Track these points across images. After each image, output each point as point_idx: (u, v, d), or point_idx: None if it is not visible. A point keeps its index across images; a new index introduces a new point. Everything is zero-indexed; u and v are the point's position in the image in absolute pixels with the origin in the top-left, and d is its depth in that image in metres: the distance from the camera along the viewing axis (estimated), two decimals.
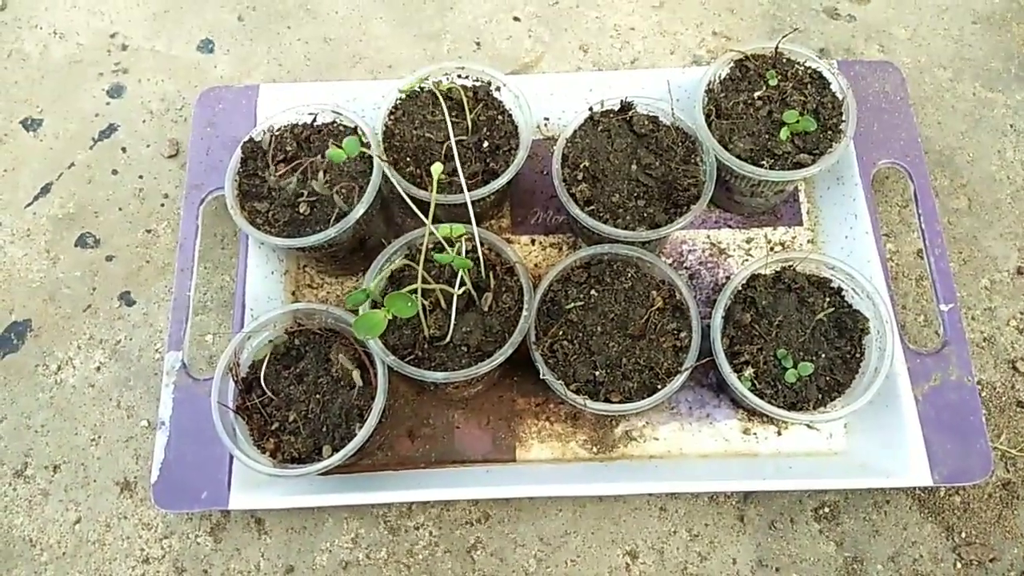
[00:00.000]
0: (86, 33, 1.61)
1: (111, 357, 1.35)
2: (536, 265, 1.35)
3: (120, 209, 1.45)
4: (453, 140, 1.11)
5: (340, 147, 1.02)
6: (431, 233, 1.07)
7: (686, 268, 1.35)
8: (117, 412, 1.32)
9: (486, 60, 1.54)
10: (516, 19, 1.58)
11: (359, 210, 1.17)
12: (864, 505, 1.23)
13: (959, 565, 1.19)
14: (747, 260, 1.36)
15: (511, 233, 1.38)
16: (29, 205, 1.46)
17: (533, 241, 1.38)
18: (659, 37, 1.56)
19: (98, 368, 1.34)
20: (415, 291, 1.03)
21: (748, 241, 1.38)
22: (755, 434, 1.25)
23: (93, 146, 1.50)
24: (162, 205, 1.45)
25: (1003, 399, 1.30)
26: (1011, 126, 1.50)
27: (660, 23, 1.57)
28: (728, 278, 1.34)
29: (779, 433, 1.26)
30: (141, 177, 1.47)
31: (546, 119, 1.42)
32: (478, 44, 1.56)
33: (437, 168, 1.01)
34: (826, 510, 1.23)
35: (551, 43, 1.56)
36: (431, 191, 1.02)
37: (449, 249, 1.12)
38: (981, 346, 1.33)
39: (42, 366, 1.35)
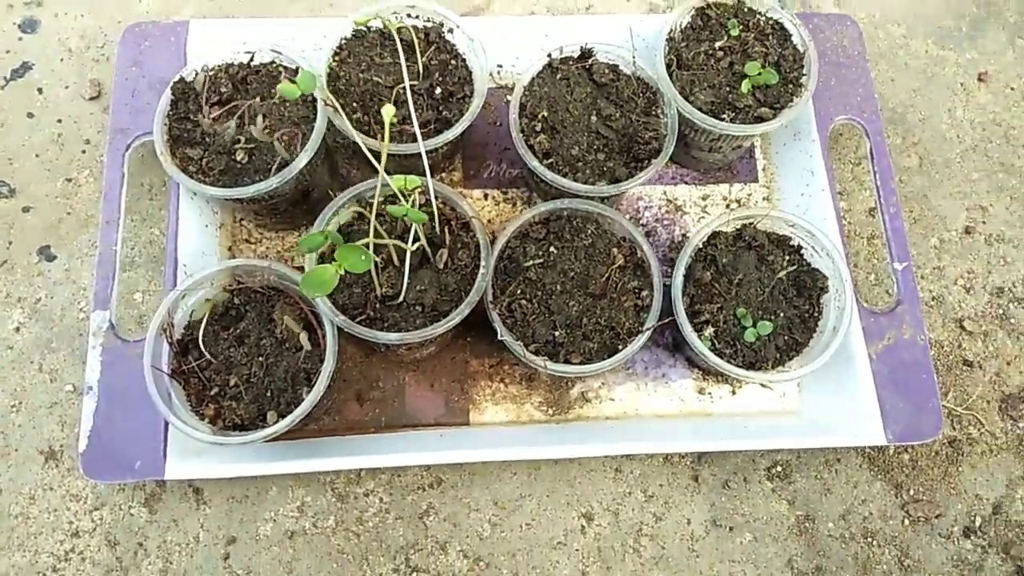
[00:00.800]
0: None
1: (31, 317, 1.25)
2: (489, 221, 1.30)
3: (37, 156, 1.33)
4: (407, 84, 1.04)
5: (293, 83, 0.94)
6: (384, 184, 1.00)
7: (642, 225, 1.31)
8: (39, 376, 1.22)
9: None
10: None
11: (302, 159, 1.09)
12: (816, 464, 1.24)
13: (907, 522, 1.21)
14: (703, 217, 1.33)
15: (463, 187, 1.32)
16: None
17: (486, 196, 1.32)
18: None
19: (17, 329, 1.24)
20: (367, 246, 0.97)
21: (704, 198, 1.35)
22: (710, 394, 1.24)
23: (4, 86, 1.37)
24: (83, 152, 1.34)
25: (950, 358, 1.31)
26: (961, 85, 1.50)
27: None
28: (685, 236, 1.31)
29: (733, 392, 1.25)
30: (60, 121, 1.35)
31: (499, 66, 1.36)
32: None
33: (389, 112, 0.93)
34: (779, 469, 1.23)
35: None
36: (383, 139, 0.95)
37: (403, 201, 1.05)
38: (930, 305, 1.34)
39: None
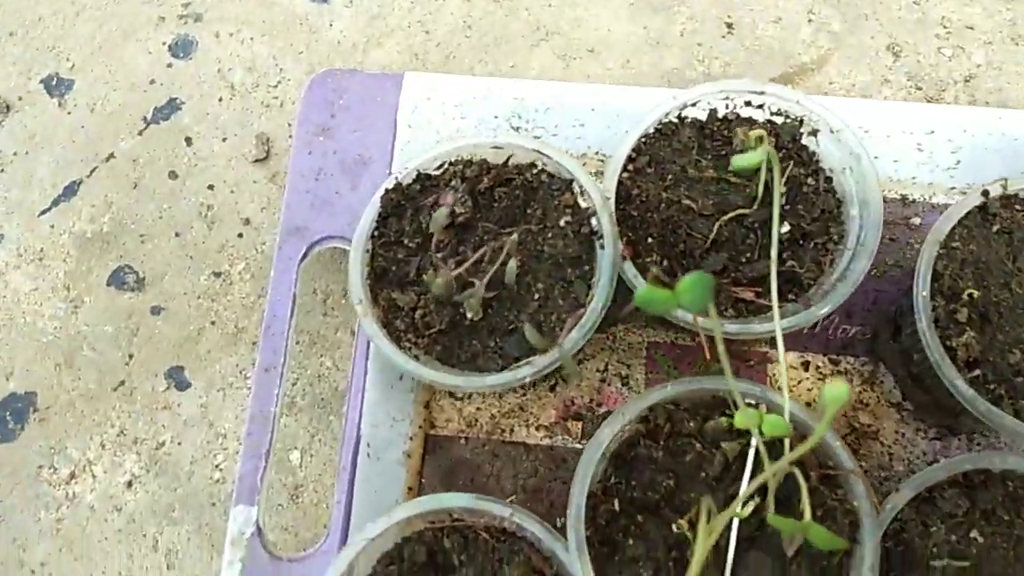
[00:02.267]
0: None
1: (149, 468, 0.90)
2: (809, 403, 0.85)
3: (177, 234, 0.97)
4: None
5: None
6: (726, 413, 0.57)
7: None
8: (152, 557, 0.87)
9: (740, 51, 1.00)
10: None
11: (575, 338, 0.68)
12: None
13: None
14: None
15: (767, 346, 0.88)
16: (45, 212, 0.99)
17: (806, 364, 0.87)
18: (1011, 45, 1.00)
19: (129, 484, 0.89)
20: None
21: None
22: None
23: (144, 130, 1.01)
24: (240, 236, 0.97)
25: None
26: None
27: (1014, 23, 1.01)
28: None
29: None
30: (211, 188, 0.98)
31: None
32: (729, 26, 1.02)
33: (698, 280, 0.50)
34: None
35: (843, 36, 1.01)
36: (712, 315, 0.52)
37: (748, 421, 0.62)
38: None
39: (48, 468, 0.90)
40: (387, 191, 0.73)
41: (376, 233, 0.74)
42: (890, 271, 0.88)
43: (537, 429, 0.85)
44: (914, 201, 0.89)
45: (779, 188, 0.60)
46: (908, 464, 0.83)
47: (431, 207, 0.73)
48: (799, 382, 0.86)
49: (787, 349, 0.88)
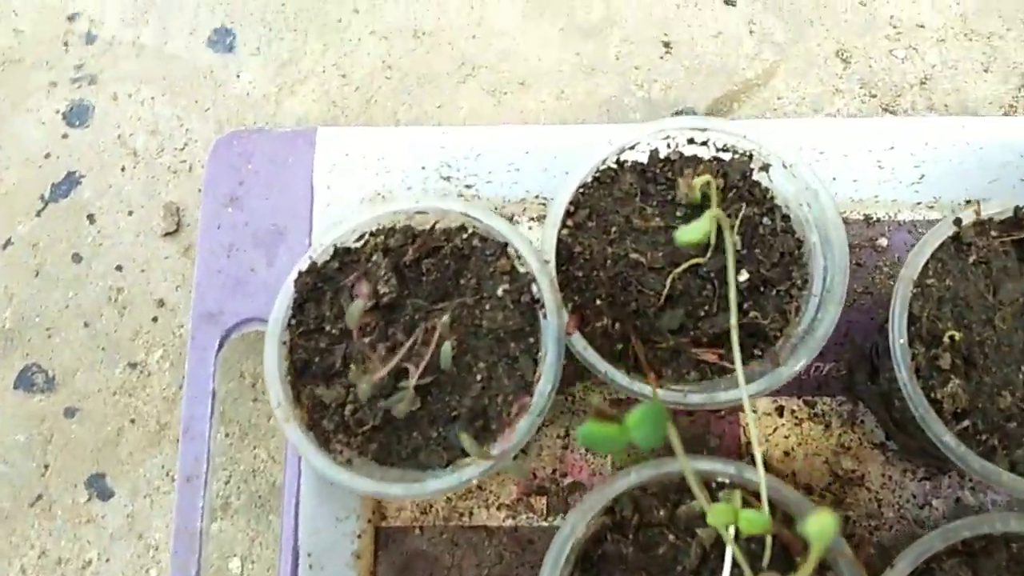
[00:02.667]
0: (30, 13, 1.01)
1: None
2: (787, 452, 0.79)
3: (86, 324, 0.88)
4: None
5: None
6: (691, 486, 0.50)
7: None
8: None
9: (680, 71, 0.93)
10: (728, 2, 0.96)
11: (528, 423, 0.61)
12: None
13: None
14: None
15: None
16: None
17: (780, 410, 0.81)
18: (964, 42, 0.95)
19: None
20: None
21: None
22: None
23: (42, 210, 0.92)
24: (154, 320, 0.88)
25: None
26: None
27: (964, 18, 0.96)
28: None
29: None
30: (119, 269, 0.90)
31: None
32: (667, 45, 0.95)
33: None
34: None
35: (787, 46, 0.95)
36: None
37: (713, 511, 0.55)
38: None
39: None
40: (301, 274, 0.65)
41: (293, 321, 0.66)
42: (860, 299, 0.82)
43: (498, 509, 0.77)
44: (878, 220, 0.83)
45: (731, 239, 0.53)
46: (898, 509, 0.77)
47: (352, 287, 0.65)
48: (774, 430, 0.79)
49: (758, 395, 0.81)
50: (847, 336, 0.81)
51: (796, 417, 0.79)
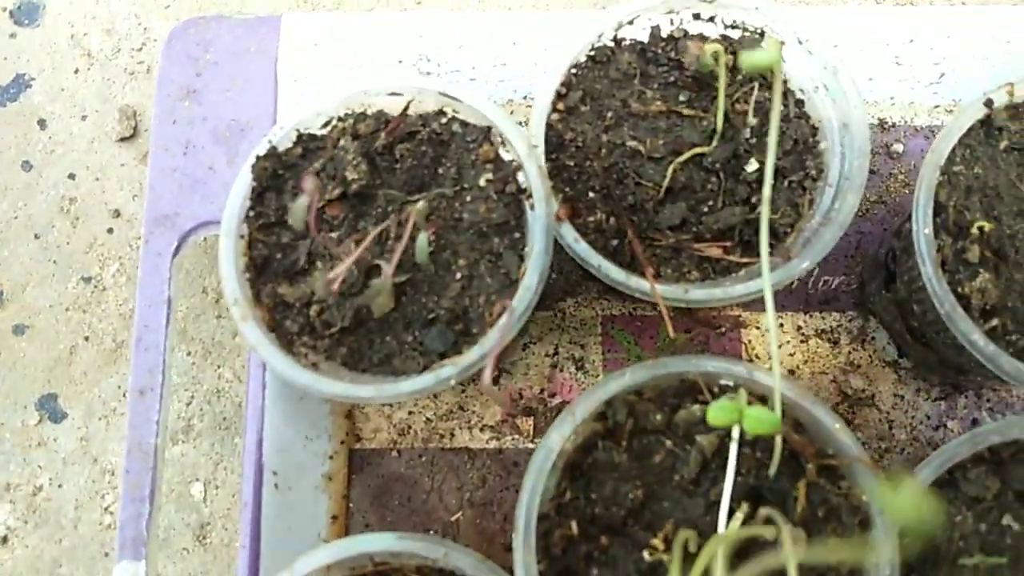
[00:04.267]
0: None
1: (27, 517, 0.75)
2: (792, 371, 0.73)
3: (37, 236, 0.81)
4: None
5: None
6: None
7: None
8: None
9: None
10: None
11: (512, 320, 0.54)
12: None
13: None
14: None
15: (740, 308, 0.75)
16: None
17: (784, 325, 0.75)
18: None
19: (4, 538, 0.75)
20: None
21: None
22: None
23: None
24: (109, 231, 0.81)
25: None
26: None
27: None
28: None
29: None
30: (72, 177, 0.83)
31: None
32: None
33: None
34: None
35: None
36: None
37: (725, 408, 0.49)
38: None
39: None
40: (259, 159, 0.59)
41: (252, 213, 0.59)
42: (873, 208, 0.76)
43: (482, 430, 0.71)
44: (894, 125, 0.77)
45: (778, 110, 0.45)
46: (911, 431, 0.71)
47: (319, 176, 0.59)
48: (779, 347, 0.74)
49: (760, 310, 0.75)
50: (858, 248, 0.75)
51: (802, 334, 0.74)
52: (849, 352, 0.73)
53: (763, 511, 0.50)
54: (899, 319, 0.67)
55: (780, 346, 0.73)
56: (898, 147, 0.77)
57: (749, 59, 0.40)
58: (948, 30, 0.74)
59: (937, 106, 0.77)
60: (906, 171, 0.77)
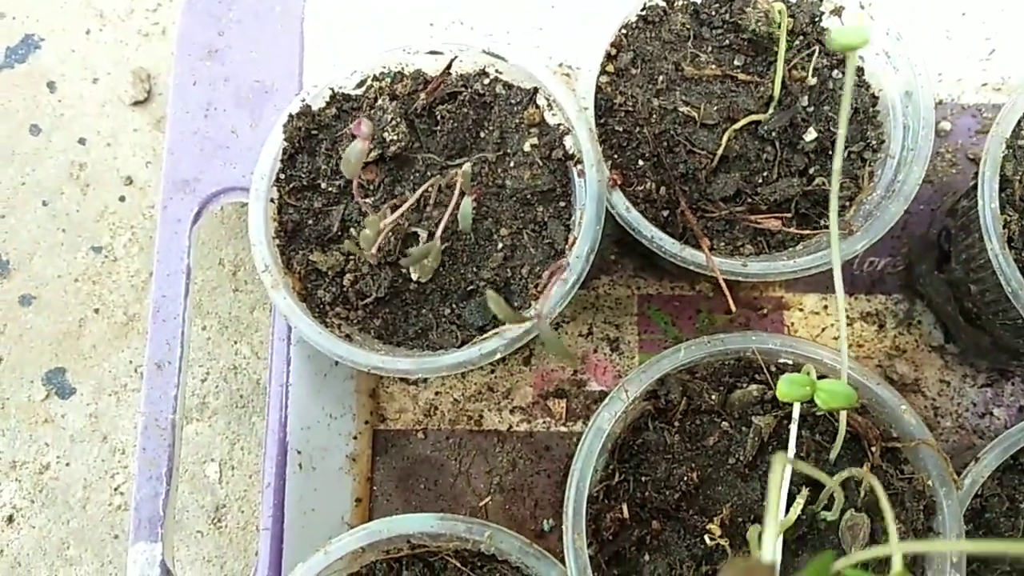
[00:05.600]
0: None
1: (34, 497, 0.72)
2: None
3: (45, 203, 0.78)
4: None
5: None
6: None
7: None
8: None
9: None
10: None
11: (557, 297, 0.51)
12: None
13: None
14: None
15: (783, 288, 0.72)
16: None
17: (827, 306, 0.72)
18: None
19: (10, 518, 0.72)
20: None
21: None
22: None
23: None
24: (121, 199, 0.78)
25: None
26: None
27: None
28: None
29: None
30: (82, 142, 0.79)
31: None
32: None
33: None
34: None
35: None
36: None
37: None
38: None
39: None
40: (291, 118, 0.55)
41: (283, 176, 0.56)
42: (920, 188, 0.73)
43: (511, 412, 0.68)
44: (941, 103, 0.74)
45: (851, 81, 0.41)
46: (956, 418, 0.69)
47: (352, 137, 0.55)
48: (822, 330, 0.71)
49: (805, 291, 0.73)
50: (905, 229, 0.72)
51: (847, 316, 0.71)
52: (894, 336, 0.71)
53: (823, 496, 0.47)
54: (951, 300, 0.65)
55: (824, 329, 0.71)
56: (945, 125, 0.74)
57: (840, 37, 0.37)
58: (1002, 2, 0.72)
59: (985, 84, 0.74)
60: (953, 150, 0.74)
